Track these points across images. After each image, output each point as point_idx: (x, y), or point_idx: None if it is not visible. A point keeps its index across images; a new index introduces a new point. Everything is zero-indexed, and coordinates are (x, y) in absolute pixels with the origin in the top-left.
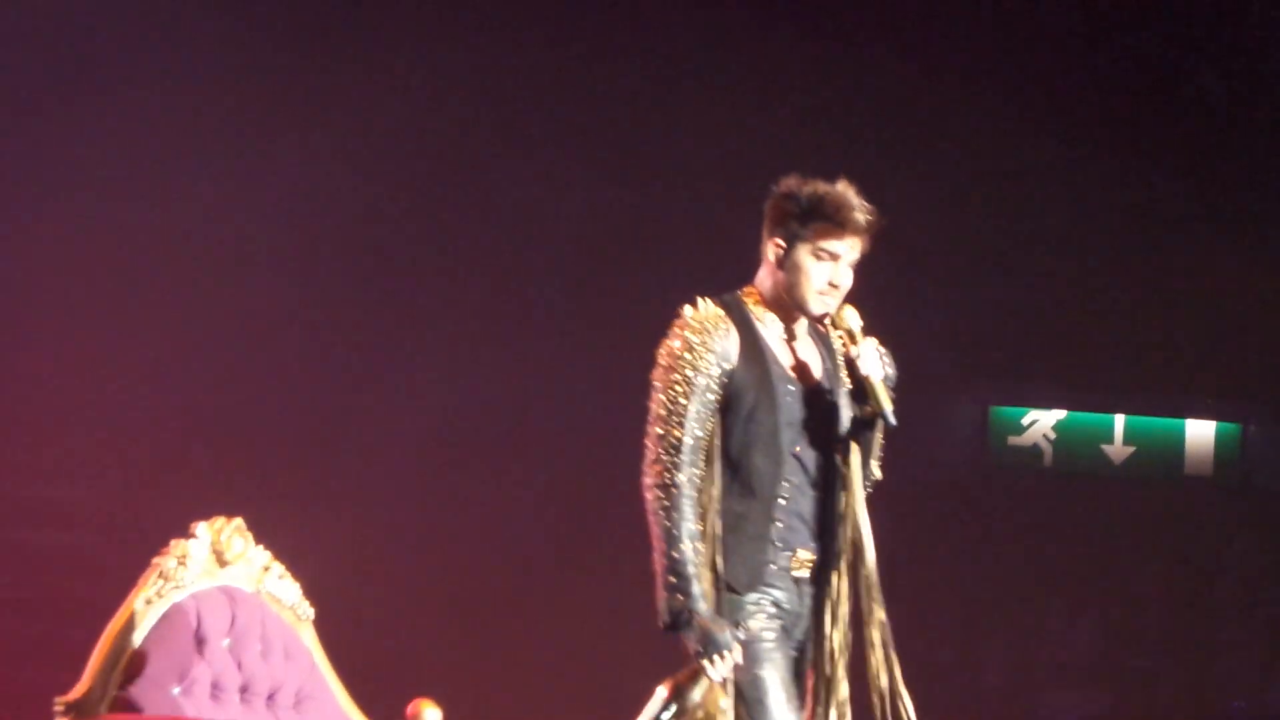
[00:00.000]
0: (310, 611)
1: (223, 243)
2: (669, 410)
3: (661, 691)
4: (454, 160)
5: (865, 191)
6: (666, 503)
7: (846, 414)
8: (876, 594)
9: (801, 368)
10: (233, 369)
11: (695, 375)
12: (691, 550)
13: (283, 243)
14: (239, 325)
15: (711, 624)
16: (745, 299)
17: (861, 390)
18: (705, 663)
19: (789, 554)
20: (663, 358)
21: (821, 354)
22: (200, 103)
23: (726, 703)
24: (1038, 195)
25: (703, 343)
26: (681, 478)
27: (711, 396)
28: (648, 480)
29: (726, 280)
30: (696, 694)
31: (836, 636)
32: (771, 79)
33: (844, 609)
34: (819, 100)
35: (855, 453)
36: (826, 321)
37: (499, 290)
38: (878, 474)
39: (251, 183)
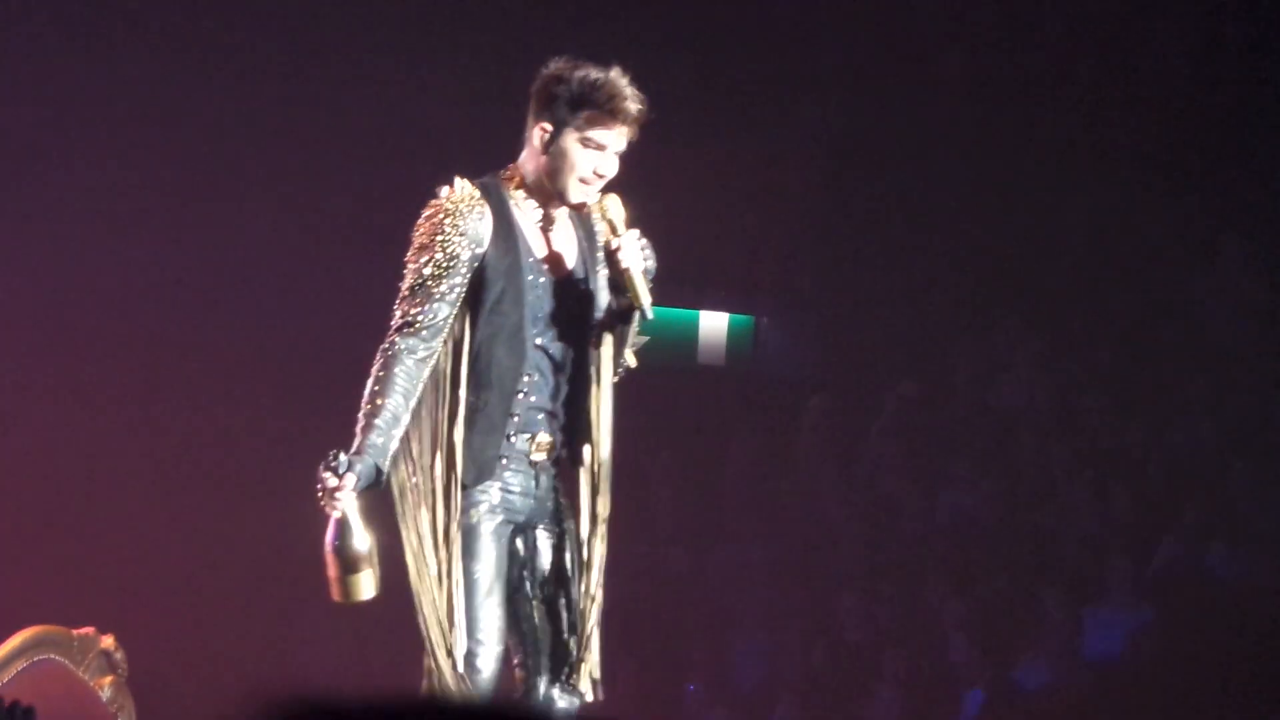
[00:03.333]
0: None
1: None
2: (413, 288)
3: (328, 547)
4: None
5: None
6: (379, 363)
7: (603, 301)
8: (605, 486)
9: (554, 257)
10: None
11: (444, 257)
12: (388, 414)
13: None
14: None
15: (332, 461)
16: (505, 182)
17: (621, 281)
18: (325, 501)
19: (526, 436)
20: (415, 237)
21: (580, 241)
22: None
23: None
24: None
25: (454, 224)
26: (402, 346)
27: (459, 280)
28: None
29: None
30: (357, 541)
31: (595, 542)
32: None
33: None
34: None
35: (608, 343)
36: (590, 209)
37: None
38: (632, 362)
39: None
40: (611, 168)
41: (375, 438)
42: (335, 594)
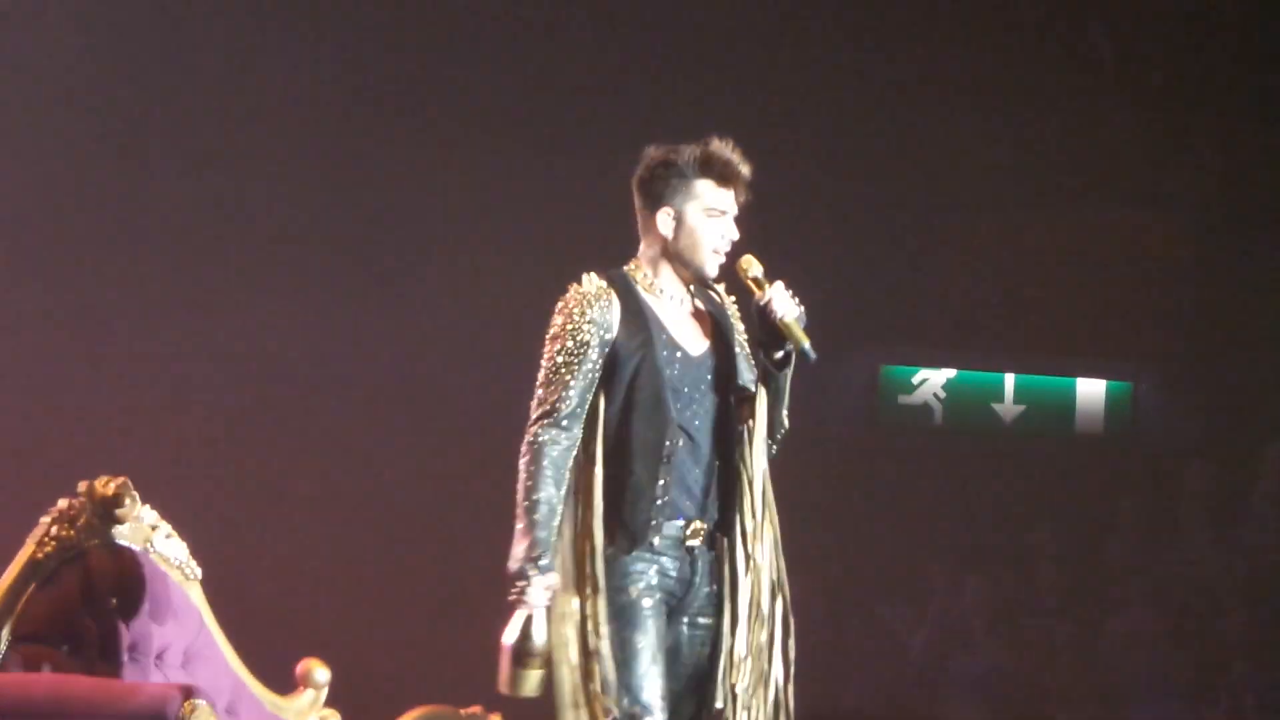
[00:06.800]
0: (198, 571)
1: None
2: (548, 378)
3: (507, 640)
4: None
5: (750, 151)
6: (528, 458)
7: (747, 377)
8: (768, 560)
9: (689, 336)
10: (121, 326)
11: (575, 345)
12: (546, 508)
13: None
14: (125, 284)
15: (526, 564)
16: (632, 272)
17: (775, 338)
18: (518, 599)
19: (680, 523)
20: (549, 330)
21: (714, 319)
22: None
23: (602, 652)
24: (928, 156)
25: (583, 314)
26: (545, 438)
27: (590, 366)
28: (523, 442)
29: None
30: (537, 638)
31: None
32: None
33: (758, 578)
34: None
35: (761, 417)
36: (717, 294)
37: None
38: (786, 424)
39: None
40: (734, 232)
41: (541, 533)
42: (504, 685)
